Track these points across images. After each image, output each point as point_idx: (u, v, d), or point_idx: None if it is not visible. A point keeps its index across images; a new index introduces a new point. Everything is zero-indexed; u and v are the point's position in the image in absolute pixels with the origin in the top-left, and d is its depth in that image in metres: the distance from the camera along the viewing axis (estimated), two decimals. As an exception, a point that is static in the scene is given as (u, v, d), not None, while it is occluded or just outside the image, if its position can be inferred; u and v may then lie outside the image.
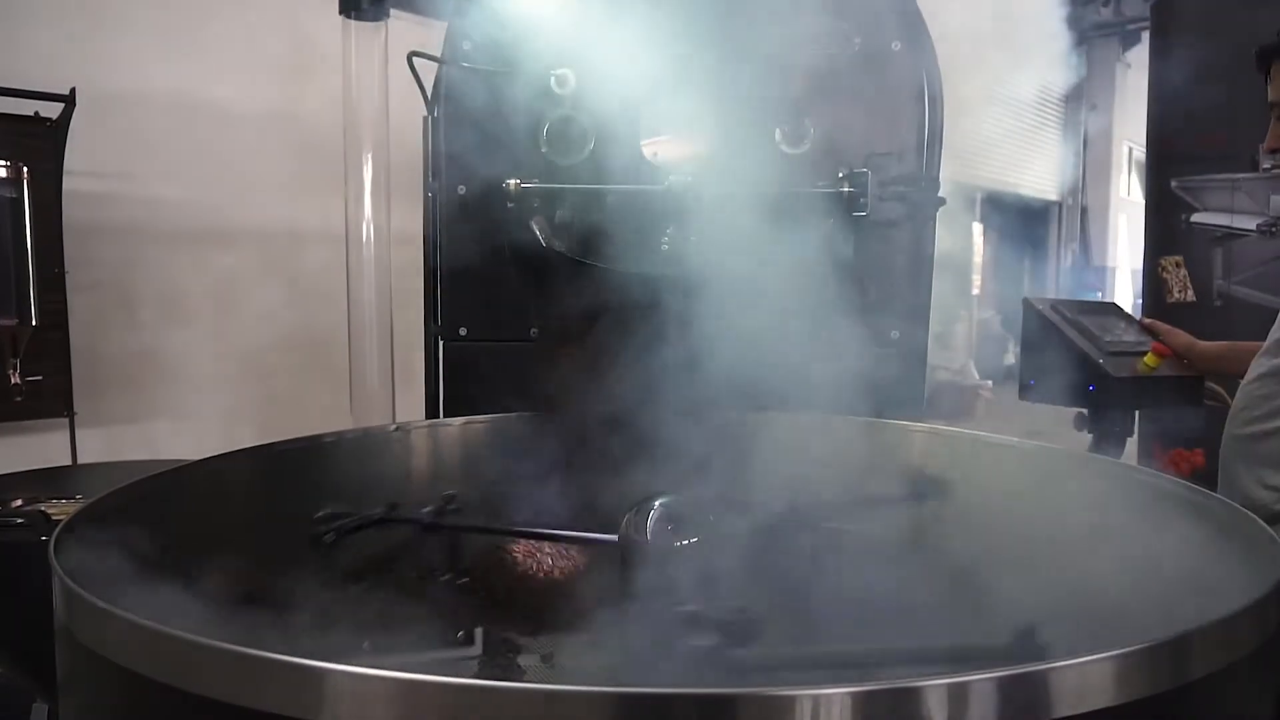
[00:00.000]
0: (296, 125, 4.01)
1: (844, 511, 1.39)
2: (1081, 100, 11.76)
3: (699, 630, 0.96)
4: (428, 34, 2.01)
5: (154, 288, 3.88)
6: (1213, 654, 0.77)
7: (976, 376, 9.17)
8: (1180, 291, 3.75)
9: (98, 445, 3.48)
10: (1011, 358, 7.72)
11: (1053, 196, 12.50)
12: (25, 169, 3.19)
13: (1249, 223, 3.55)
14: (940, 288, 2.10)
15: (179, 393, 3.95)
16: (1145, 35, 5.24)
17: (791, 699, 0.65)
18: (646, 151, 1.89)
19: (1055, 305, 2.21)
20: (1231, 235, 3.60)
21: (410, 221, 2.12)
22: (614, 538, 1.23)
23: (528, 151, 1.85)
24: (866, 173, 1.81)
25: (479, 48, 1.88)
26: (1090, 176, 12.65)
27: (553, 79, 1.81)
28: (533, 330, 1.95)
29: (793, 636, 1.02)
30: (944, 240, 2.07)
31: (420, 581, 1.34)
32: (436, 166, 1.98)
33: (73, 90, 3.27)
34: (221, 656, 0.72)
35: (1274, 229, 3.47)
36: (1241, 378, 1.77)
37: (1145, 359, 2.04)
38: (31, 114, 3.26)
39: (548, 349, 1.83)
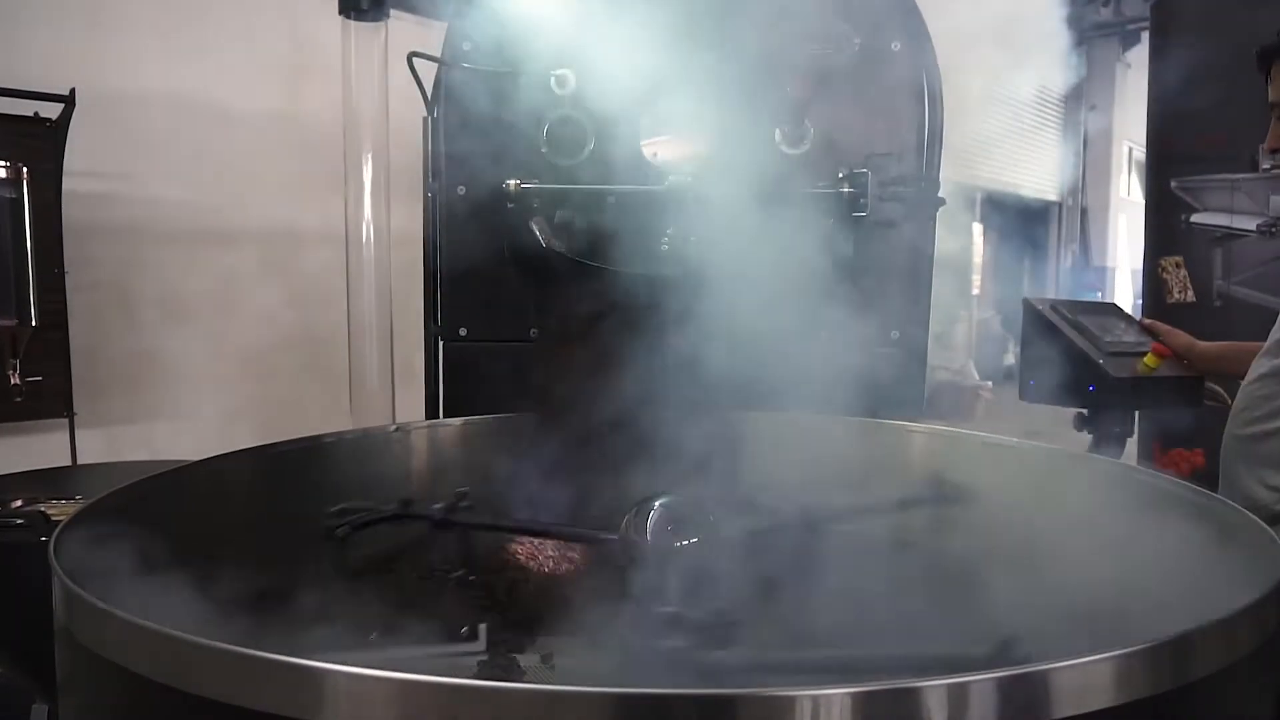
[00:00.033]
0: (296, 125, 4.01)
1: (844, 512, 1.39)
2: (1081, 100, 11.77)
3: (674, 632, 0.96)
4: (427, 34, 2.01)
5: (154, 288, 3.88)
6: (1213, 654, 0.77)
7: (976, 377, 9.17)
8: (1180, 292, 3.75)
9: (97, 446, 3.48)
10: (1011, 358, 7.72)
11: (1053, 197, 12.50)
12: (25, 169, 3.19)
13: (1249, 223, 3.55)
14: (940, 288, 2.10)
15: (179, 393, 3.95)
16: (1145, 35, 5.24)
17: (791, 699, 0.65)
18: (646, 152, 1.89)
19: (1055, 305, 2.20)
20: (1231, 235, 3.60)
21: (410, 222, 2.12)
22: (616, 537, 1.23)
23: (528, 152, 1.85)
24: (866, 173, 1.81)
25: (479, 48, 1.88)
26: (1090, 177, 12.65)
27: (552, 79, 1.81)
28: (532, 331, 1.95)
29: (769, 640, 1.01)
30: (944, 240, 2.07)
31: (427, 577, 1.34)
32: (436, 167, 1.98)
33: (72, 91, 3.27)
34: (221, 657, 0.72)
35: (1274, 229, 3.47)
36: (1241, 378, 1.77)
37: (1145, 359, 2.04)
38: (31, 114, 3.26)
39: (548, 349, 1.83)
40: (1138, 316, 2.28)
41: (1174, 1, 3.92)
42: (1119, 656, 0.71)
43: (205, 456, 1.37)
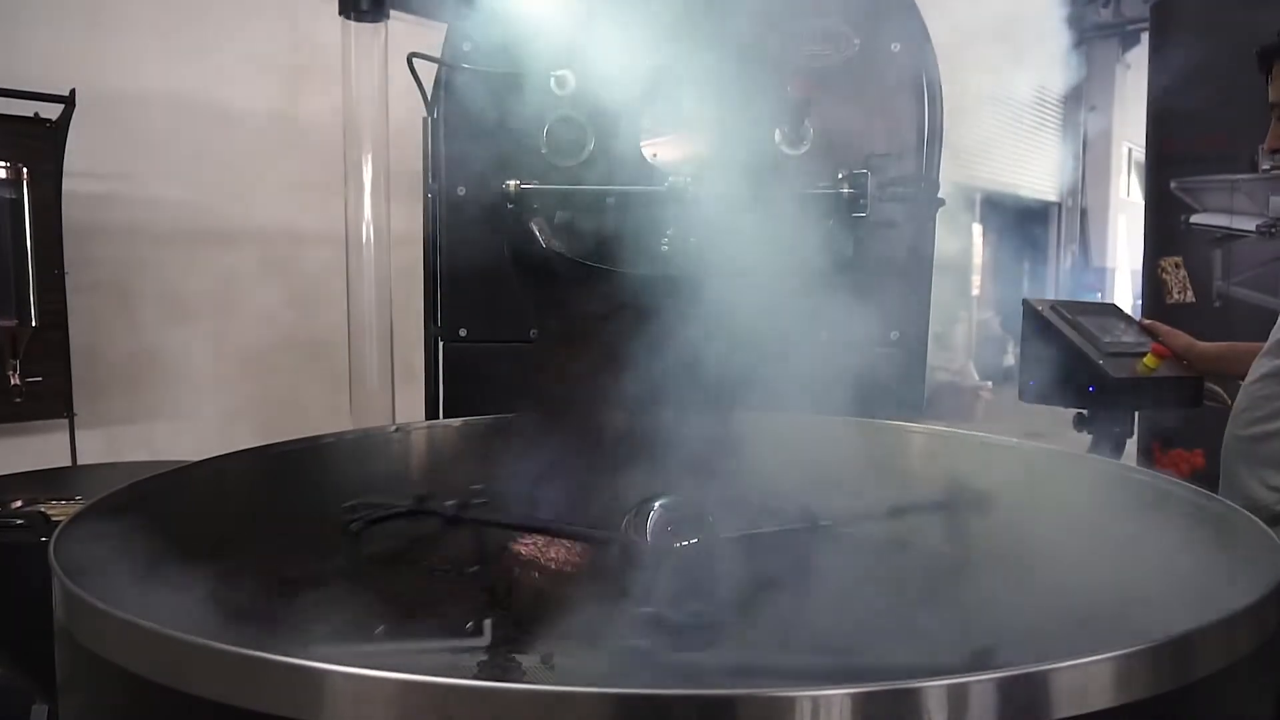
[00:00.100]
0: (296, 126, 4.01)
1: (844, 513, 1.39)
2: (1081, 101, 11.77)
3: (652, 633, 0.97)
4: (427, 35, 2.01)
5: (154, 288, 3.88)
6: (1213, 655, 0.77)
7: (976, 377, 9.17)
8: (1180, 292, 3.75)
9: (97, 446, 3.48)
10: (1011, 359, 7.73)
11: (1052, 197, 12.50)
12: (25, 170, 3.19)
13: (1248, 224, 3.55)
14: (940, 288, 2.10)
15: (179, 393, 3.95)
16: (1145, 36, 5.24)
17: (791, 700, 0.65)
18: (646, 152, 1.89)
19: (1055, 306, 2.20)
20: (1231, 236, 3.60)
21: (410, 222, 2.12)
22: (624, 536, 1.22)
23: (527, 153, 1.85)
24: (866, 174, 1.81)
25: (479, 49, 1.88)
26: (1090, 177, 12.66)
27: (552, 80, 1.81)
28: (532, 332, 1.95)
29: (755, 642, 1.00)
30: (943, 241, 2.07)
31: (430, 573, 1.35)
32: (436, 167, 1.98)
33: (72, 91, 3.27)
34: (220, 657, 0.72)
35: (1273, 230, 3.47)
36: (1241, 378, 1.77)
37: (1145, 360, 2.04)
38: (31, 115, 3.25)
39: (548, 350, 1.83)
40: (1137, 317, 2.28)
41: (1173, 2, 3.92)
42: (1119, 657, 0.71)
43: (205, 457, 1.38)
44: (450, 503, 1.44)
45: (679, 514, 1.19)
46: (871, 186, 1.79)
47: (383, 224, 2.11)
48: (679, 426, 1.33)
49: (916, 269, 2.05)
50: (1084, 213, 12.72)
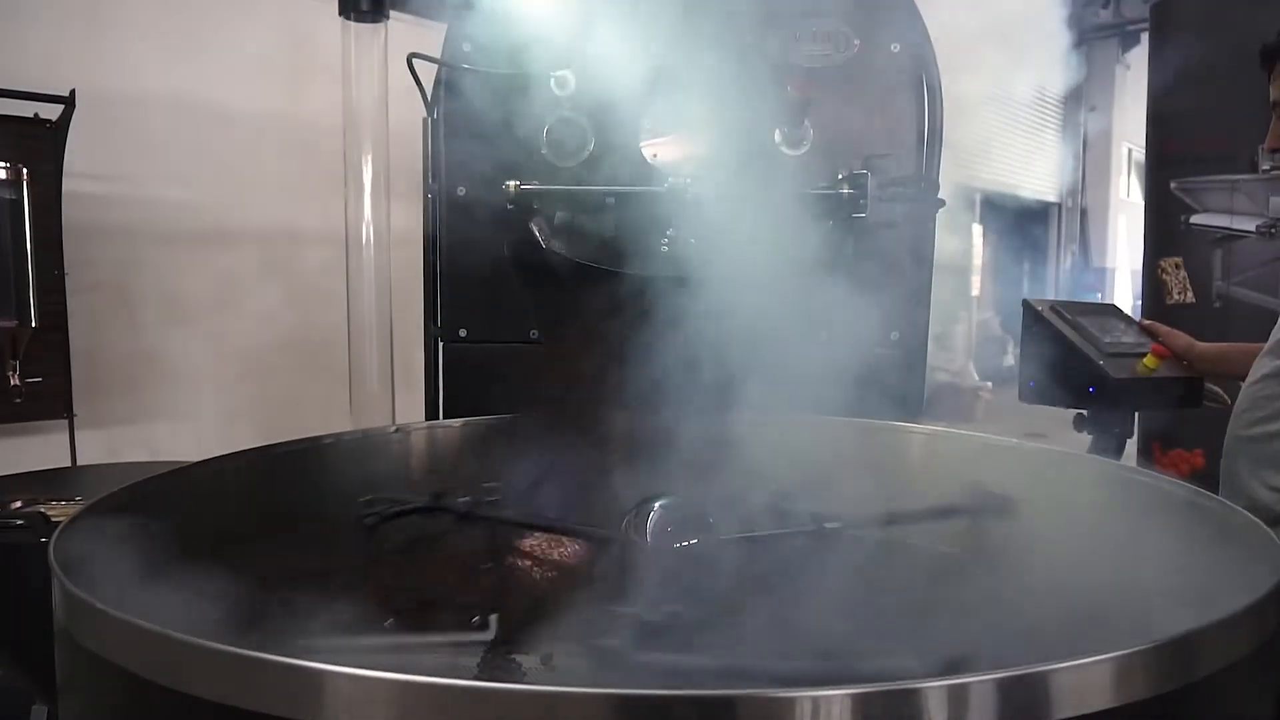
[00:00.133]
0: (296, 126, 4.01)
1: (842, 515, 1.39)
2: (1081, 101, 11.77)
3: (622, 631, 0.97)
4: (427, 35, 2.01)
5: (154, 289, 3.88)
6: (1213, 655, 0.77)
7: (976, 378, 9.17)
8: (1180, 293, 3.75)
9: (97, 447, 3.48)
10: (1011, 359, 7.73)
11: (1052, 198, 12.51)
12: (25, 170, 3.19)
13: (1248, 224, 3.55)
14: (940, 289, 2.10)
15: (179, 394, 3.95)
16: (1145, 37, 5.24)
17: (791, 700, 0.65)
18: (646, 153, 1.89)
19: (1055, 306, 2.20)
20: (1231, 236, 3.60)
21: (410, 223, 2.12)
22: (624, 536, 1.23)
23: (527, 153, 1.85)
24: (866, 174, 1.81)
25: (478, 49, 1.88)
26: (1090, 178, 12.66)
27: (552, 81, 1.81)
28: (532, 332, 1.95)
29: (714, 643, 1.00)
30: (943, 241, 2.07)
31: (442, 567, 1.35)
32: (436, 168, 1.98)
33: (72, 92, 3.27)
34: (220, 658, 0.72)
35: (1273, 230, 3.47)
36: (1241, 379, 1.77)
37: (1145, 360, 2.04)
38: (31, 116, 3.26)
39: (549, 350, 1.83)
40: (1137, 317, 2.28)
41: (1173, 2, 3.92)
42: (1119, 657, 0.71)
43: (205, 457, 1.37)
44: (464, 499, 1.46)
45: (679, 514, 1.19)
46: (871, 187, 1.79)
47: (383, 224, 2.11)
48: (681, 427, 1.34)
49: (916, 269, 2.05)
50: (1084, 213, 12.72)
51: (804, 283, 1.45)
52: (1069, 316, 2.16)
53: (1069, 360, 2.09)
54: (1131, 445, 2.77)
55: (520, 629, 1.07)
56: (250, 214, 4.11)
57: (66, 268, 3.35)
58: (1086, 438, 2.14)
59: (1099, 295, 11.15)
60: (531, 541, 1.37)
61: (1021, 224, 11.03)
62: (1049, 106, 11.47)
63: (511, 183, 1.80)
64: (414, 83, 1.93)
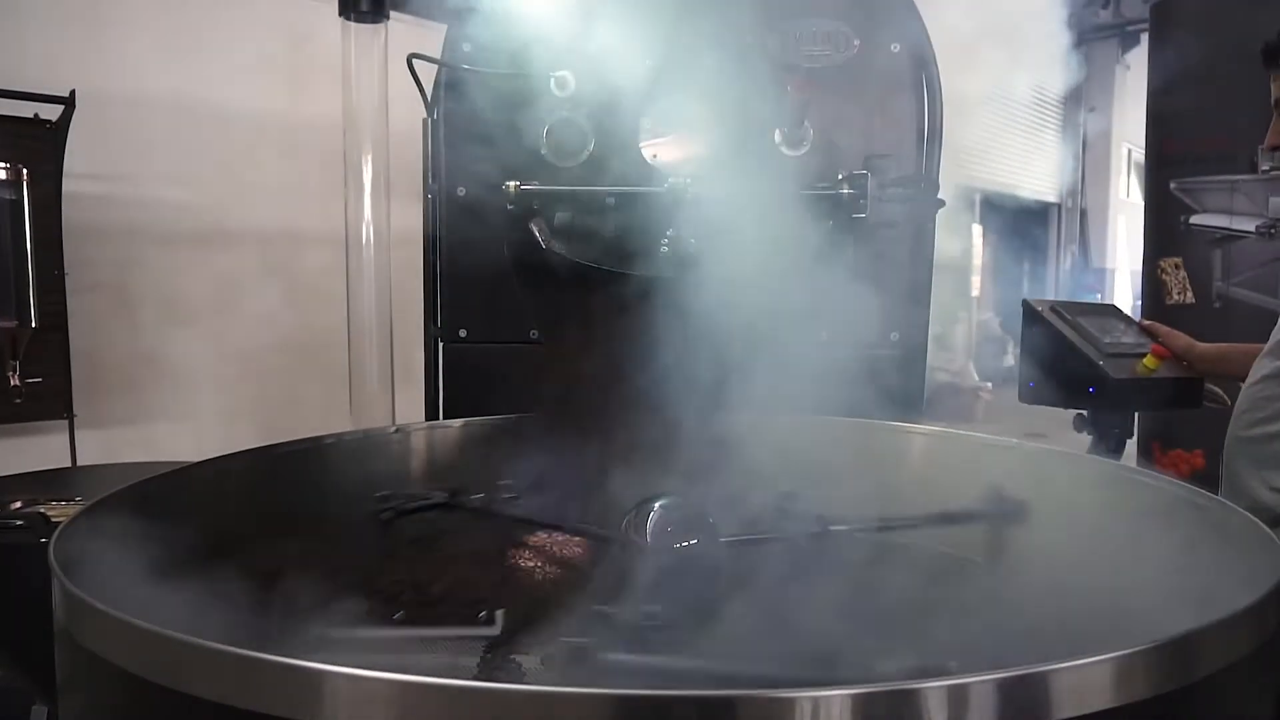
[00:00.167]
0: (296, 126, 4.01)
1: (843, 516, 1.39)
2: (1081, 102, 11.78)
3: (597, 630, 0.98)
4: (427, 36, 2.01)
5: (153, 289, 3.88)
6: (1213, 655, 0.77)
7: (976, 378, 9.18)
8: (1179, 293, 3.75)
9: (97, 447, 3.48)
10: (1011, 359, 7.73)
11: (1052, 198, 12.51)
12: (25, 171, 3.19)
13: (1248, 224, 3.55)
14: (940, 289, 2.10)
15: (178, 394, 3.95)
16: (1144, 37, 5.25)
17: (791, 700, 0.65)
18: (646, 153, 1.89)
19: (1055, 307, 2.20)
20: (1230, 237, 3.60)
21: (410, 223, 2.12)
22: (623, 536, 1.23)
23: (527, 153, 1.85)
24: (866, 174, 1.81)
25: (478, 50, 1.88)
26: (1089, 178, 12.67)
27: (552, 81, 1.81)
28: (532, 332, 1.95)
29: (685, 645, 0.99)
30: (943, 242, 2.07)
31: (447, 563, 1.36)
32: (436, 168, 1.98)
33: (72, 92, 3.27)
34: (220, 659, 0.72)
35: (1272, 230, 3.47)
36: (1241, 379, 1.77)
37: (1144, 361, 2.04)
38: (31, 116, 3.26)
39: (548, 350, 1.83)
40: (1137, 318, 2.28)
41: (1173, 3, 3.93)
42: (1119, 657, 0.71)
43: (205, 458, 1.37)
44: (478, 496, 1.48)
45: (679, 515, 1.19)
46: (871, 187, 1.79)
47: (383, 225, 2.11)
48: (682, 427, 1.34)
49: (916, 269, 2.05)
50: (1084, 213, 12.73)
51: (804, 283, 1.45)
52: (1069, 317, 2.16)
53: (1069, 360, 2.09)
54: (1131, 445, 2.77)
55: (515, 627, 1.07)
56: (250, 214, 4.11)
57: (66, 268, 3.35)
58: (1086, 438, 2.14)
59: (1099, 295, 11.16)
60: (537, 539, 1.37)
61: (1021, 224, 11.04)
62: (1049, 107, 11.47)
63: (511, 183, 1.80)
64: (414, 83, 1.93)
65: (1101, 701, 0.70)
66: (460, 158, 1.94)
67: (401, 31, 2.09)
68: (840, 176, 1.83)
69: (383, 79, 2.03)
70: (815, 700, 0.65)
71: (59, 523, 1.06)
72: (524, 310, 1.93)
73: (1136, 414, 2.21)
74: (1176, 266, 3.76)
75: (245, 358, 4.09)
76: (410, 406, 2.17)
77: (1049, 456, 1.52)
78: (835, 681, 0.66)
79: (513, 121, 1.82)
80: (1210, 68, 3.48)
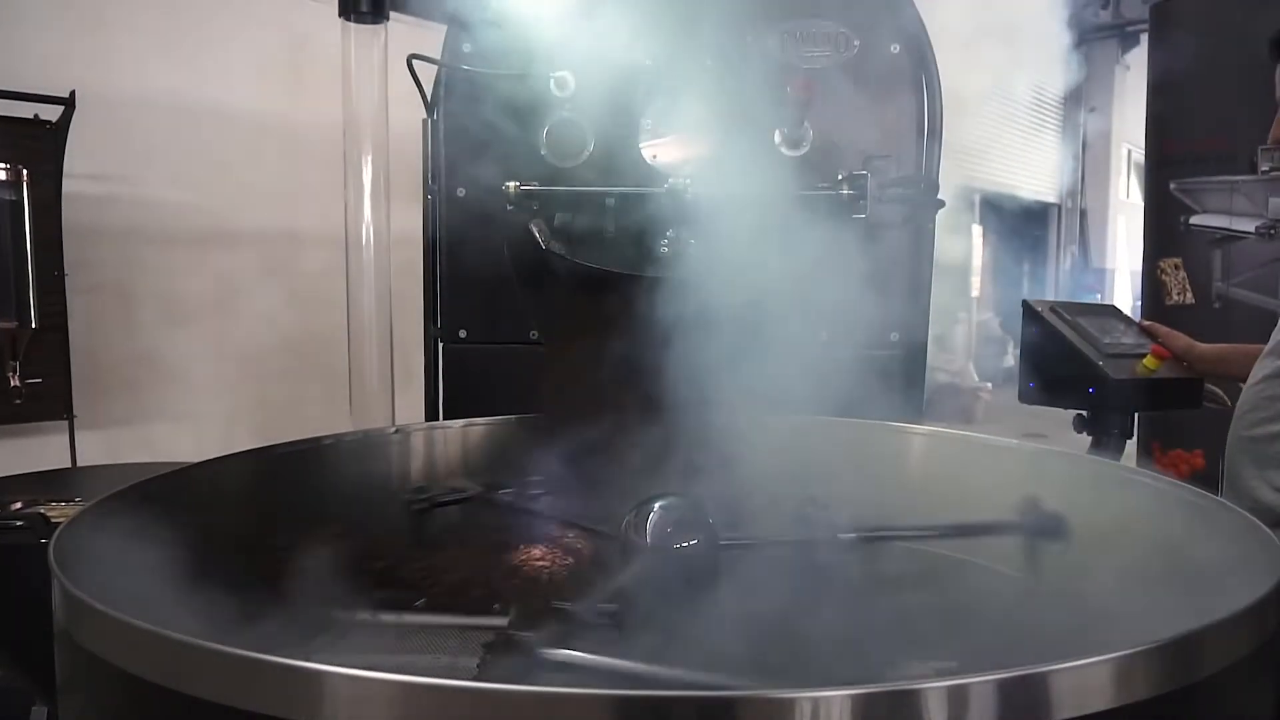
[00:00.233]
0: (296, 128, 4.02)
1: (846, 516, 1.38)
2: (1080, 102, 11.78)
3: (545, 625, 1.01)
4: (427, 36, 2.01)
5: (153, 290, 3.88)
6: (1213, 655, 0.77)
7: (976, 378, 9.18)
8: (1179, 293, 3.75)
9: (97, 447, 3.48)
10: (1011, 360, 7.73)
11: (1052, 199, 12.51)
12: (25, 171, 3.19)
13: (1247, 225, 3.55)
14: (940, 290, 2.10)
15: (178, 395, 3.95)
16: (1144, 37, 5.25)
17: (791, 701, 0.65)
18: (646, 154, 1.89)
19: (1054, 307, 2.20)
20: (1230, 237, 3.60)
21: (410, 224, 2.12)
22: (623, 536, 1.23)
23: (527, 154, 1.85)
24: (866, 175, 1.81)
25: (478, 51, 1.88)
26: (1089, 179, 12.67)
27: (552, 81, 1.81)
28: (532, 333, 1.95)
29: (630, 644, 0.99)
30: (943, 242, 2.07)
31: (465, 555, 1.37)
32: (436, 169, 1.98)
33: (72, 93, 3.28)
34: (220, 659, 0.72)
35: (1272, 231, 3.47)
36: (1241, 380, 1.77)
37: (1144, 361, 2.04)
38: (31, 117, 3.26)
39: (548, 351, 1.83)
40: (1137, 318, 2.28)
41: (1173, 3, 3.93)
42: (1119, 658, 0.71)
43: (205, 458, 1.37)
44: (506, 491, 1.51)
45: (678, 515, 1.19)
46: (871, 187, 1.79)
47: (382, 225, 2.11)
48: (682, 428, 1.34)
49: (916, 270, 2.05)
50: (1083, 214, 12.73)
51: (804, 283, 1.45)
52: (1068, 317, 2.16)
53: (1069, 361, 2.09)
54: (1131, 445, 2.77)
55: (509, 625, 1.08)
56: (250, 215, 4.12)
57: (66, 268, 3.35)
58: (1086, 438, 2.14)
59: (1099, 296, 11.16)
60: (545, 538, 1.38)
61: (1021, 224, 11.04)
62: (1048, 107, 11.48)
63: (511, 184, 1.80)
64: (414, 84, 1.93)
65: (1101, 702, 0.70)
66: (460, 158, 1.94)
67: (401, 32, 2.09)
68: (840, 177, 1.83)
69: (383, 79, 2.03)
70: (815, 700, 0.65)
71: (59, 523, 1.06)
72: (524, 311, 1.93)
73: (1136, 414, 2.21)
74: (1176, 267, 3.76)
75: (245, 358, 4.09)
76: (410, 407, 2.18)
77: (1047, 457, 1.52)
78: (835, 683, 0.66)
79: (512, 122, 1.82)
80: (1210, 68, 3.48)
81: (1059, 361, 2.11)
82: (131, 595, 0.89)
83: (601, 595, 1.09)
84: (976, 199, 8.28)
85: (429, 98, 1.97)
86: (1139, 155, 7.04)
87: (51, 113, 3.27)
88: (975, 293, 9.63)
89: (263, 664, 0.70)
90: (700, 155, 1.84)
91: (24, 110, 3.23)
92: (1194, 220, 3.69)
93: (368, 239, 2.10)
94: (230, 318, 4.06)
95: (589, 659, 0.89)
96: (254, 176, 4.05)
